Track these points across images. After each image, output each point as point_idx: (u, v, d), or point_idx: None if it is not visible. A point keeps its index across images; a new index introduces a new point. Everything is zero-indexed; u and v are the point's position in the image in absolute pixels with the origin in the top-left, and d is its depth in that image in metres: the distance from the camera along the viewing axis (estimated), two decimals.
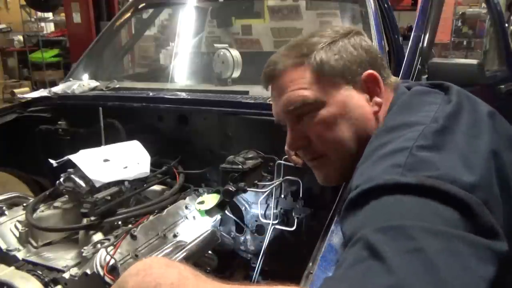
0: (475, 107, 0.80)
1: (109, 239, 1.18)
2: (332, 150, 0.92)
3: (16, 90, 7.36)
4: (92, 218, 1.23)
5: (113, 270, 1.09)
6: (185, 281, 0.59)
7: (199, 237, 1.35)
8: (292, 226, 1.36)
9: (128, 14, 2.44)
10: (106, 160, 1.42)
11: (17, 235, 1.32)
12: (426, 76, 1.67)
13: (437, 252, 0.51)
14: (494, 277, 0.53)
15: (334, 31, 0.94)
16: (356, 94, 0.90)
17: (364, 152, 0.77)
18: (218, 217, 1.48)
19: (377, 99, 0.90)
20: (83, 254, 1.14)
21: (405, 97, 0.87)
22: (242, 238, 1.55)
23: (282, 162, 1.34)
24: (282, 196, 1.41)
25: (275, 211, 1.39)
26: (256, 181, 1.39)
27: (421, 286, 0.48)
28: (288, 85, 0.91)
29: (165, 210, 1.39)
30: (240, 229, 1.56)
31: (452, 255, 0.52)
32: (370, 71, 0.90)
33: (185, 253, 1.23)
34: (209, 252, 1.40)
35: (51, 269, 1.15)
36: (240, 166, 1.32)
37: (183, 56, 2.53)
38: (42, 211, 1.35)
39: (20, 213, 1.38)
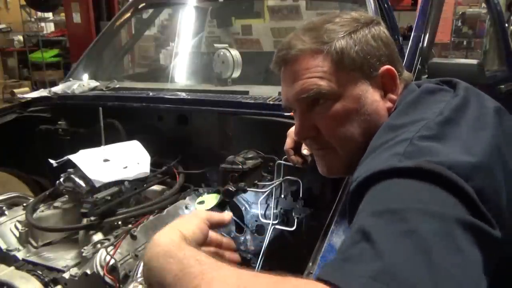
0: (482, 102, 0.79)
1: (109, 239, 1.18)
2: (341, 145, 0.89)
3: (16, 90, 7.37)
4: (92, 218, 1.23)
5: (113, 270, 1.09)
6: (189, 269, 0.58)
7: None
8: (292, 226, 1.36)
9: (128, 14, 2.44)
10: (106, 160, 1.43)
11: (17, 235, 1.32)
12: (426, 76, 1.67)
13: (430, 234, 0.51)
14: (487, 262, 0.53)
15: (354, 19, 0.89)
16: (371, 89, 0.87)
17: (368, 148, 0.76)
18: None
19: (391, 95, 0.88)
20: (83, 254, 1.14)
21: (413, 95, 0.85)
22: (242, 238, 1.55)
23: (282, 162, 1.34)
24: (282, 196, 1.41)
25: (275, 211, 1.39)
26: (256, 181, 1.39)
27: (411, 269, 0.48)
28: (304, 72, 0.86)
29: (165, 210, 1.39)
30: (240, 229, 1.56)
31: (446, 237, 0.52)
32: (388, 66, 0.87)
33: None
34: None
35: (51, 269, 1.15)
36: (240, 166, 1.32)
37: (183, 56, 2.53)
38: (42, 211, 1.35)
39: (20, 213, 1.38)
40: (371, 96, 0.86)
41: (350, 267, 0.51)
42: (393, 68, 0.87)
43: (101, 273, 1.07)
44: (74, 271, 1.13)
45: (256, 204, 1.44)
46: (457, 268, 0.49)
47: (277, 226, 1.39)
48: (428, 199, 0.56)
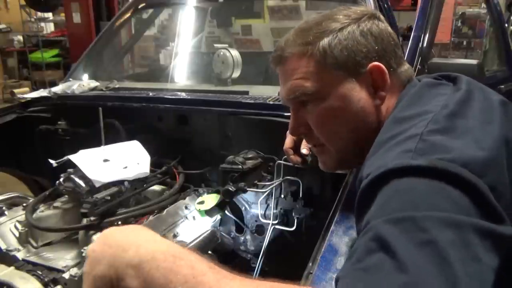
0: (486, 95, 0.79)
1: None
2: (329, 142, 0.92)
3: (16, 90, 7.33)
4: (92, 218, 1.23)
5: None
6: (202, 277, 0.55)
7: (199, 237, 1.35)
8: (292, 226, 1.36)
9: (128, 14, 2.44)
10: (106, 160, 1.42)
11: (17, 235, 1.32)
12: None
13: (449, 244, 0.51)
14: (504, 262, 0.54)
15: (346, 15, 0.89)
16: (358, 86, 0.87)
17: (374, 144, 0.76)
18: (218, 217, 1.48)
19: (381, 92, 0.87)
20: (83, 254, 1.14)
21: (415, 89, 0.85)
22: (242, 238, 1.55)
23: (282, 162, 1.34)
24: (282, 196, 1.41)
25: (275, 211, 1.39)
26: (256, 181, 1.39)
27: (434, 282, 0.48)
28: (291, 73, 0.90)
29: (165, 210, 1.38)
30: (240, 229, 1.56)
31: (463, 246, 0.52)
32: (375, 63, 0.86)
33: None
34: (209, 252, 1.40)
35: (51, 269, 1.15)
36: (240, 166, 1.32)
37: (183, 56, 2.53)
38: (42, 211, 1.35)
39: (20, 213, 1.38)
40: (358, 94, 0.87)
41: (371, 279, 0.51)
42: (380, 64, 0.86)
43: None
44: (74, 271, 1.13)
45: (256, 204, 1.44)
46: (475, 278, 0.50)
47: (277, 226, 1.39)
48: (443, 204, 0.56)
